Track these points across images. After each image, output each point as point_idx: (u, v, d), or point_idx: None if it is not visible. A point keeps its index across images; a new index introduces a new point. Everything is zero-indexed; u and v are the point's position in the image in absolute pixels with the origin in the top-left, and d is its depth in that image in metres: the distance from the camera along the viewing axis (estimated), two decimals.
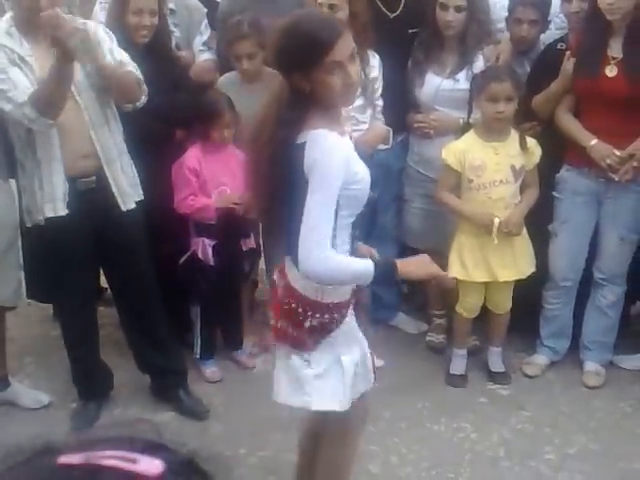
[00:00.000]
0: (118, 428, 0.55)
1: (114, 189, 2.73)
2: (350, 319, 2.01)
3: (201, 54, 3.38)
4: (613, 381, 3.25)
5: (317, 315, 1.93)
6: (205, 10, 3.39)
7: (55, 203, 2.65)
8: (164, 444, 0.55)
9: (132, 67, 2.68)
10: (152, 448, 0.53)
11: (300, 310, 1.93)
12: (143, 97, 2.73)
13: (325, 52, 1.76)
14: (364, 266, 1.83)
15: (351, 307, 2.01)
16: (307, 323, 1.93)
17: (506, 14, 3.24)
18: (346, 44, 1.78)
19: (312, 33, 1.79)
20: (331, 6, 2.78)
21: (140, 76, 2.69)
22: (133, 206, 2.80)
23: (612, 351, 3.30)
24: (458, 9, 3.03)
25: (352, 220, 1.90)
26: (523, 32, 3.16)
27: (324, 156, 1.79)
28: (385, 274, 1.91)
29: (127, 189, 2.78)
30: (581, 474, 2.69)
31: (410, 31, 3.20)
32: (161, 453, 0.53)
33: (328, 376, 1.97)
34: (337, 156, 1.80)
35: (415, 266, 1.96)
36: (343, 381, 1.97)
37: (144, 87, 2.72)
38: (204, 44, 3.38)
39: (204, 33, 3.37)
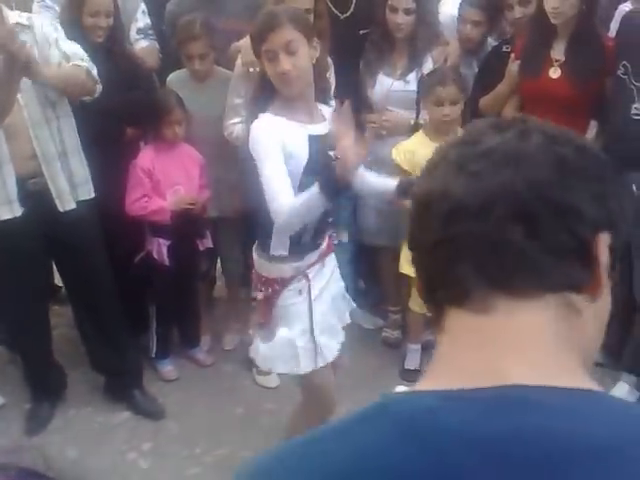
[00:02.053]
0: (4, 454, 0.54)
1: (52, 189, 2.70)
2: (291, 298, 2.19)
3: (138, 42, 3.29)
4: None
5: (262, 288, 2.19)
6: None
7: (11, 205, 2.63)
8: (40, 473, 0.53)
9: (79, 59, 2.64)
10: (25, 477, 0.52)
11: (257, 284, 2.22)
12: (98, 86, 2.70)
13: (261, 41, 2.00)
14: (309, 192, 1.95)
15: (292, 286, 2.17)
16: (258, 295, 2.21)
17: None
18: (280, 35, 1.98)
19: (257, 24, 2.05)
20: (307, 10, 2.76)
21: (89, 66, 2.66)
22: (73, 206, 2.76)
23: None
24: (407, 11, 3.07)
25: None
26: (467, 31, 3.23)
27: (254, 136, 2.00)
28: (328, 183, 1.90)
29: (66, 189, 2.73)
30: None
31: (361, 32, 3.23)
32: None
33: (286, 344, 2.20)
34: (265, 132, 1.99)
35: (343, 164, 1.90)
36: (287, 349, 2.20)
37: (95, 77, 2.68)
38: (139, 31, 3.29)
39: (140, 20, 3.29)
